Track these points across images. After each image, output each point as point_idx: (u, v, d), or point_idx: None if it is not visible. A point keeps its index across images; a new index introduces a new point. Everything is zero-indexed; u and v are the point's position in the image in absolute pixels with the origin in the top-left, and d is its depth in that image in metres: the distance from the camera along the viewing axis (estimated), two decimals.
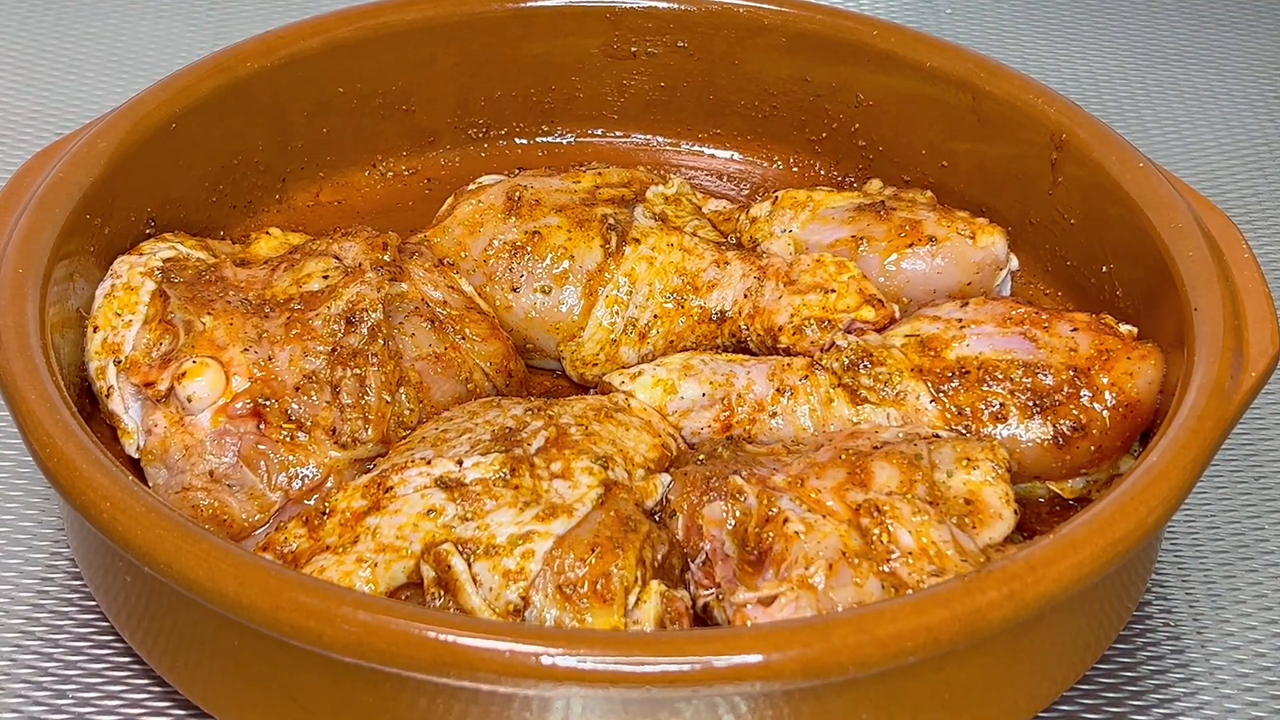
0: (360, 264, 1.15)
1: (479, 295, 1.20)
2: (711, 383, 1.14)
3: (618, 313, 1.20)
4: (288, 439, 1.07)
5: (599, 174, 1.27)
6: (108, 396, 1.11)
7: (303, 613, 0.88)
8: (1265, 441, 1.26)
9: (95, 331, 1.13)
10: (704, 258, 1.22)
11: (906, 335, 1.14)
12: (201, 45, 1.66)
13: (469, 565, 0.98)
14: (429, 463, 1.03)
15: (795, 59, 1.39)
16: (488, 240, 1.21)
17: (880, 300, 1.18)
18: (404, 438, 1.09)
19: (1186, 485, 0.97)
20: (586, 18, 1.40)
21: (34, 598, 1.11)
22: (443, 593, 0.98)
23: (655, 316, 1.21)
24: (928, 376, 1.12)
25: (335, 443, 1.08)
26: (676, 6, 1.40)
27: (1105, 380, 1.10)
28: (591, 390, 1.20)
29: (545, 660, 0.86)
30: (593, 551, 0.98)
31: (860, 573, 0.97)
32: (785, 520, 1.00)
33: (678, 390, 1.14)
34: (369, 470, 1.06)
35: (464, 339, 1.16)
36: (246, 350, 1.09)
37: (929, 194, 1.29)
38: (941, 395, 1.11)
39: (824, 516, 1.00)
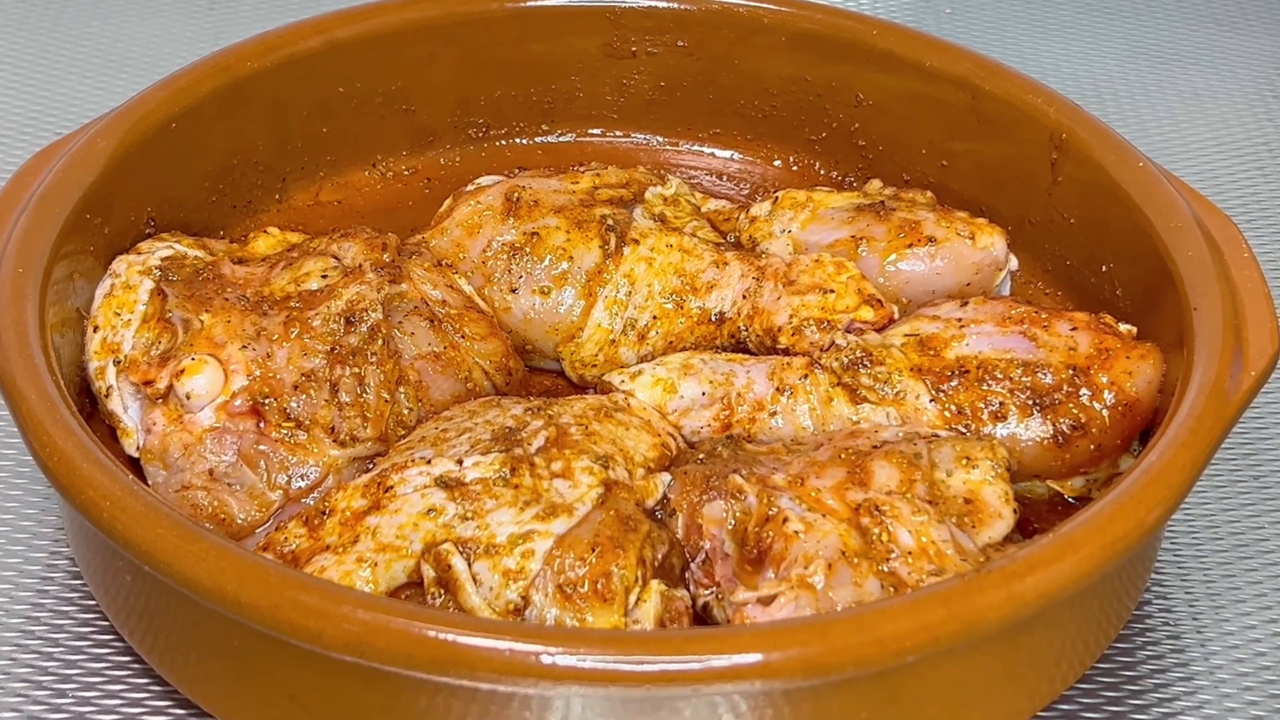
0: (360, 265, 1.15)
1: (478, 296, 1.20)
2: (711, 382, 1.14)
3: (617, 314, 1.20)
4: (287, 437, 1.07)
5: (597, 174, 1.27)
6: (106, 396, 1.11)
7: (302, 612, 0.87)
8: (1265, 441, 1.26)
9: (95, 331, 1.13)
10: (703, 258, 1.22)
11: (906, 335, 1.14)
12: (201, 45, 1.66)
13: (469, 565, 0.98)
14: (429, 462, 1.03)
15: (795, 59, 1.39)
16: (486, 242, 1.21)
17: (879, 300, 1.17)
18: (403, 437, 1.09)
19: (1186, 485, 0.97)
20: (586, 17, 1.40)
21: (34, 598, 1.11)
22: (443, 592, 0.98)
23: (654, 317, 1.20)
24: (927, 376, 1.12)
25: (334, 441, 1.07)
26: (676, 6, 1.40)
27: (1104, 379, 1.10)
28: (591, 390, 1.20)
29: (545, 659, 0.86)
30: (593, 551, 0.98)
31: (859, 572, 0.97)
32: (785, 519, 1.00)
33: (677, 389, 1.14)
34: (368, 469, 1.06)
35: (463, 338, 1.16)
36: (245, 347, 1.09)
37: (929, 194, 1.29)
38: (941, 394, 1.11)
39: (823, 516, 1.00)
